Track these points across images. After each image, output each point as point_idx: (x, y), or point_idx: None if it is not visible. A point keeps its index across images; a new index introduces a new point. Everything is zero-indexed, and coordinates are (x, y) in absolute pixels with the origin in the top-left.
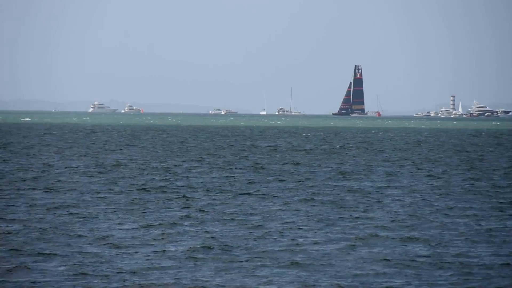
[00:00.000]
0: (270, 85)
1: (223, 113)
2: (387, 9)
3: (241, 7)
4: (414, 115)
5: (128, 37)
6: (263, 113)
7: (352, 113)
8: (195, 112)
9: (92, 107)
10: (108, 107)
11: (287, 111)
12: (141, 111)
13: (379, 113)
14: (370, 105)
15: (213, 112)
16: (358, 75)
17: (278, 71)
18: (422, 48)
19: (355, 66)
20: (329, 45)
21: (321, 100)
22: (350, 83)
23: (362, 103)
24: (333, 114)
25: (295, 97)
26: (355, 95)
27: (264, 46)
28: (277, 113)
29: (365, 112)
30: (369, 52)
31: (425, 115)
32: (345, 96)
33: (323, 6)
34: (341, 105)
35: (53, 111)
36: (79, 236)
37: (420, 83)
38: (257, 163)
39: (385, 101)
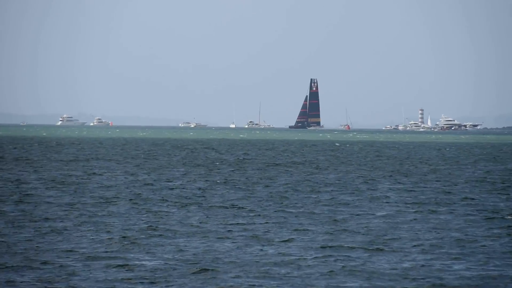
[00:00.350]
0: (238, 98)
1: (192, 126)
2: (351, 21)
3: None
4: (383, 128)
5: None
6: (233, 126)
7: (309, 126)
8: (165, 125)
9: (60, 120)
10: (77, 120)
11: (256, 124)
12: (110, 124)
13: (348, 126)
14: (339, 118)
15: (182, 125)
16: (314, 88)
17: (245, 83)
18: (391, 60)
19: (311, 79)
20: (290, 58)
21: (284, 113)
22: (306, 96)
23: (318, 116)
24: (290, 127)
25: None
26: (311, 108)
27: (232, 58)
28: (246, 126)
29: (321, 125)
30: (335, 64)
31: (394, 128)
32: (301, 109)
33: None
34: (297, 118)
35: (21, 124)
36: (48, 249)
37: (389, 96)
38: (227, 176)
39: (354, 114)
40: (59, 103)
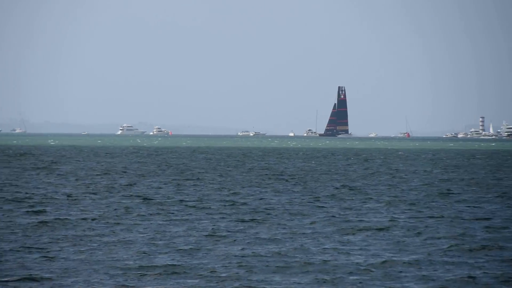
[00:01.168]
0: (294, 106)
1: (251, 134)
2: (408, 28)
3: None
4: (444, 136)
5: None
6: (292, 134)
7: (338, 134)
8: (224, 134)
9: (121, 130)
10: (137, 129)
11: (314, 132)
12: (170, 133)
13: (408, 134)
14: (399, 126)
15: (241, 133)
16: (342, 96)
17: (301, 90)
18: (451, 66)
19: (339, 87)
20: (326, 64)
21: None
22: (335, 104)
23: (346, 124)
24: (320, 135)
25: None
26: (339, 116)
27: (286, 65)
28: (305, 134)
29: (349, 132)
30: (394, 72)
31: (453, 136)
32: (330, 117)
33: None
34: (326, 126)
35: (82, 133)
36: (99, 259)
37: (450, 103)
38: (289, 186)
39: (414, 122)
40: (119, 113)
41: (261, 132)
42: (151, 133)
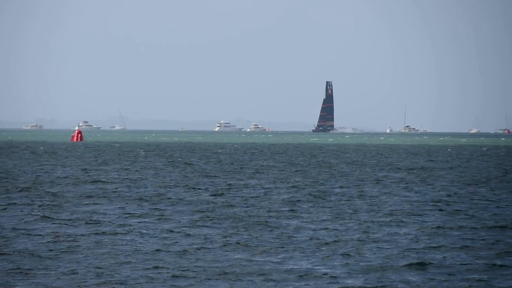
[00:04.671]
0: (387, 102)
1: (348, 131)
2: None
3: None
4: None
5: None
6: (388, 130)
7: (327, 129)
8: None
9: (218, 126)
10: (234, 125)
11: (413, 128)
12: (267, 130)
13: (508, 130)
14: (498, 122)
15: (339, 129)
16: (329, 91)
17: (388, 85)
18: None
19: (327, 82)
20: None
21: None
22: (324, 99)
23: (332, 119)
24: (313, 131)
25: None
26: (327, 112)
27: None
28: (403, 130)
29: (334, 128)
30: (500, 66)
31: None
32: (320, 112)
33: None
34: (318, 122)
35: (180, 130)
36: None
37: None
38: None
39: None
40: (215, 110)
41: (358, 129)
42: (248, 130)
